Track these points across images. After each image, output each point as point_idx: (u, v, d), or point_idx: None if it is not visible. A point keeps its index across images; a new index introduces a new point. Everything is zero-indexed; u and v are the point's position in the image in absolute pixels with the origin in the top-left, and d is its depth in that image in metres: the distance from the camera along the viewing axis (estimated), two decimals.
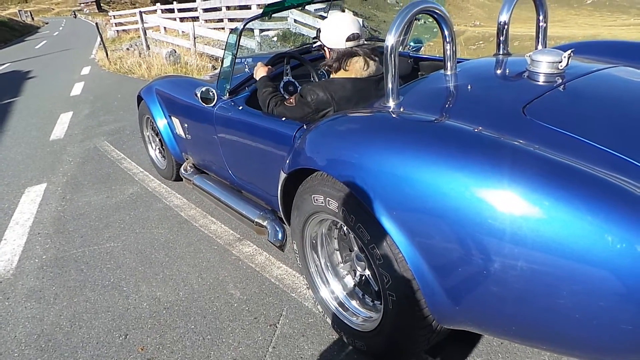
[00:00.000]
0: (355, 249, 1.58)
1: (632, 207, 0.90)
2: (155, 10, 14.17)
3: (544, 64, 1.47)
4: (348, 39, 1.81)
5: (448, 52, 1.66)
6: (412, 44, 2.69)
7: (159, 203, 3.09)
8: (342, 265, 1.73)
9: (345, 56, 1.83)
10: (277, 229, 2.02)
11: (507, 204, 1.00)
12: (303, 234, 1.72)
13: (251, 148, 2.09)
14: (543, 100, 1.36)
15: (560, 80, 1.45)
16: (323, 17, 6.65)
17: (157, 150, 3.49)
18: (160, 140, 3.28)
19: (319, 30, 1.92)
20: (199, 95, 2.20)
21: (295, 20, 8.85)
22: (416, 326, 1.32)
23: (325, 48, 1.90)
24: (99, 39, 12.86)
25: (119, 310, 2.03)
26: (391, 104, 1.53)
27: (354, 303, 1.67)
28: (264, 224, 2.08)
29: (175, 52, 9.08)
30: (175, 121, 2.88)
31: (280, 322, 1.84)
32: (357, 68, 1.85)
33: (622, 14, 32.80)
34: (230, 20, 10.30)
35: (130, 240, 2.64)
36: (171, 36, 10.65)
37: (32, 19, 48.54)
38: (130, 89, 7.20)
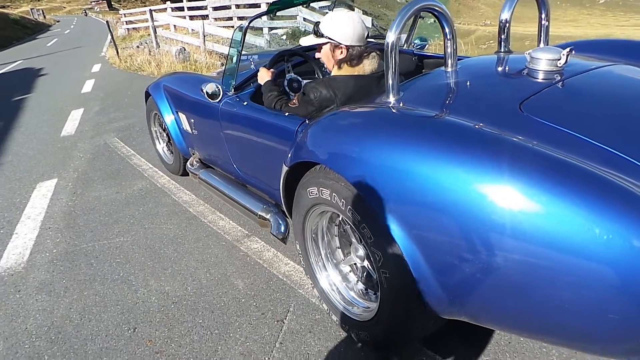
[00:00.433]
0: (354, 240, 1.60)
1: (626, 203, 0.93)
2: (165, 8, 14.23)
3: (543, 62, 1.46)
4: (365, 38, 1.81)
5: (449, 50, 1.66)
6: (417, 41, 2.68)
7: (167, 199, 3.11)
8: (343, 261, 1.74)
9: (360, 54, 1.82)
10: (280, 221, 2.05)
11: (506, 198, 1.01)
12: (304, 226, 1.74)
13: (255, 143, 2.12)
14: (540, 97, 1.36)
15: (559, 78, 1.44)
16: None
17: (165, 146, 3.52)
18: (167, 135, 3.31)
19: (316, 25, 1.84)
20: (205, 90, 2.22)
21: (304, 19, 8.87)
22: (411, 315, 1.34)
23: (331, 44, 1.82)
24: (109, 36, 12.98)
25: (128, 304, 2.05)
26: (391, 99, 1.53)
27: (353, 294, 1.70)
28: (267, 216, 2.11)
29: (185, 50, 9.12)
30: (182, 117, 2.90)
31: (287, 318, 1.85)
32: (362, 66, 1.84)
33: (635, 14, 32.34)
34: (240, 18, 10.32)
35: (140, 235, 2.66)
36: (181, 34, 10.69)
37: (44, 17, 49.02)
38: (140, 86, 7.22)
